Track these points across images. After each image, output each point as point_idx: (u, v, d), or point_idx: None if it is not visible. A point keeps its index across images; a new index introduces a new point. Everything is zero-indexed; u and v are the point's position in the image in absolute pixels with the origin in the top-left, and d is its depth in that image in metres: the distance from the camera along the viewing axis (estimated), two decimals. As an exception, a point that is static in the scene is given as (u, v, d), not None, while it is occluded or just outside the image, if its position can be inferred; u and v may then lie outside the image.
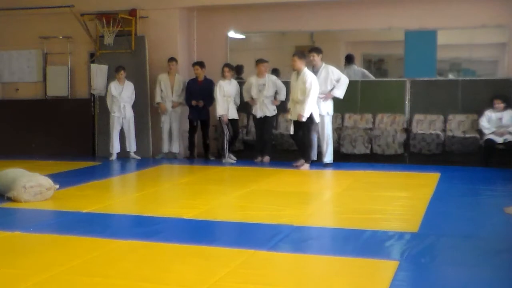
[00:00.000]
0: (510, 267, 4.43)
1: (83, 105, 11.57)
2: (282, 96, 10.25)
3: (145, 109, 11.12)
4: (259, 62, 10.23)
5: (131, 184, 8.89)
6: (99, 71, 11.16)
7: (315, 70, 9.56)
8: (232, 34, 11.42)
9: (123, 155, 10.84)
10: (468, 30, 10.36)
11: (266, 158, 10.16)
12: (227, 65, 10.43)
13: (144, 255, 4.71)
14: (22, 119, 11.78)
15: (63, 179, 7.82)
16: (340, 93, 9.62)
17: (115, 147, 10.80)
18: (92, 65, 11.28)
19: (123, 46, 11.08)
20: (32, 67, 11.85)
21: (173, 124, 10.84)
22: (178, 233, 5.51)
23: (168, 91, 10.77)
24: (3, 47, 11.91)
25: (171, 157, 10.86)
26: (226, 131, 10.23)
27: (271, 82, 10.23)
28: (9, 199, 6.80)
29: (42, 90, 11.84)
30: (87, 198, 7.02)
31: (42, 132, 11.65)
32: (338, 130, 10.32)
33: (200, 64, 10.62)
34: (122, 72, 10.69)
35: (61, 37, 11.65)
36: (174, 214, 6.10)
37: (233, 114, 10.33)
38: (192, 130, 10.70)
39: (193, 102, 10.46)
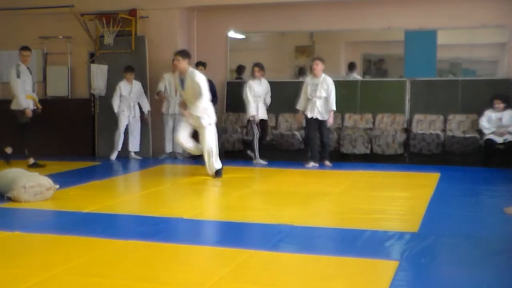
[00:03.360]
0: (510, 267, 4.43)
1: (83, 105, 11.57)
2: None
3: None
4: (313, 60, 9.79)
5: (131, 184, 8.89)
6: (99, 71, 11.15)
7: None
8: (232, 34, 11.42)
9: (124, 155, 10.84)
10: (468, 30, 10.37)
11: (327, 162, 9.67)
12: (257, 64, 10.19)
13: (144, 255, 4.71)
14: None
15: (63, 179, 7.82)
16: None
17: (119, 145, 10.76)
18: (92, 65, 11.28)
19: (123, 46, 11.08)
20: (32, 67, 11.83)
21: (177, 125, 10.77)
22: (178, 233, 5.51)
23: (172, 91, 10.71)
24: (3, 47, 11.89)
25: (173, 157, 10.85)
26: (256, 131, 10.10)
27: (325, 83, 9.60)
28: (9, 199, 6.80)
29: (42, 90, 11.81)
30: (87, 198, 7.02)
31: (42, 132, 11.62)
32: (338, 130, 10.32)
33: (203, 64, 10.45)
34: (131, 73, 10.70)
35: (61, 37, 11.65)
36: (174, 214, 6.10)
37: (263, 114, 10.21)
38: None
39: None
